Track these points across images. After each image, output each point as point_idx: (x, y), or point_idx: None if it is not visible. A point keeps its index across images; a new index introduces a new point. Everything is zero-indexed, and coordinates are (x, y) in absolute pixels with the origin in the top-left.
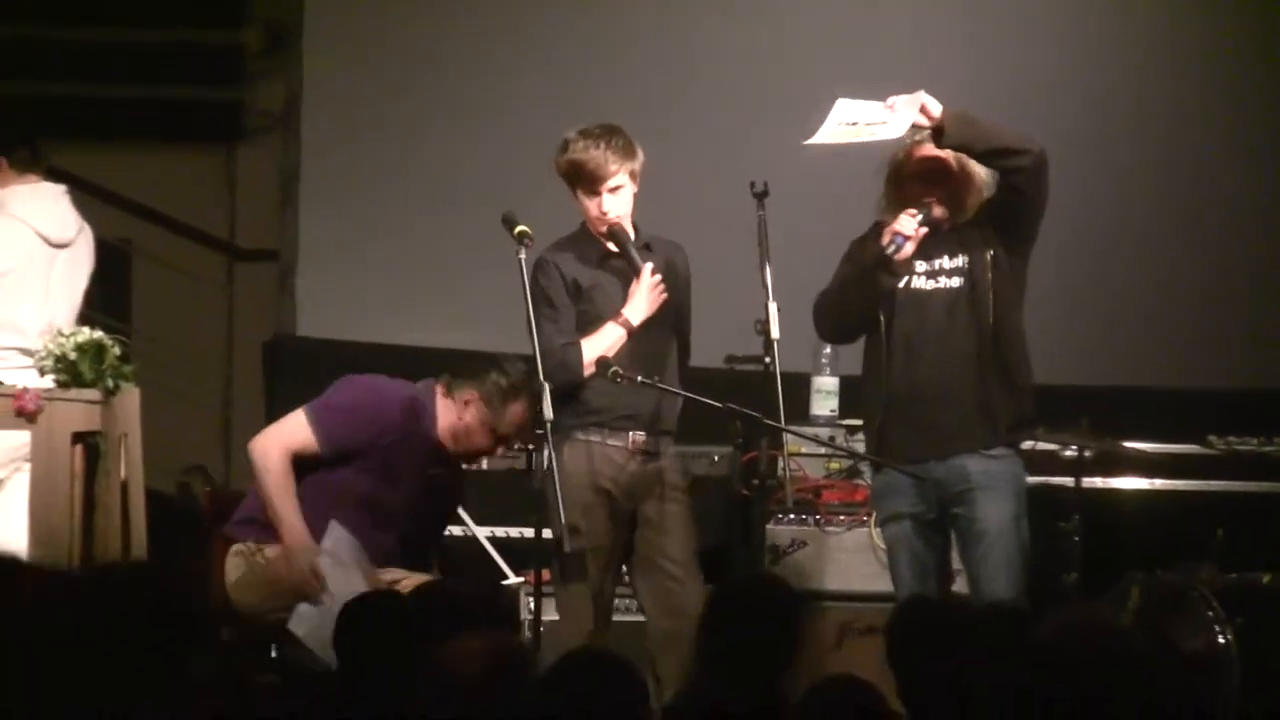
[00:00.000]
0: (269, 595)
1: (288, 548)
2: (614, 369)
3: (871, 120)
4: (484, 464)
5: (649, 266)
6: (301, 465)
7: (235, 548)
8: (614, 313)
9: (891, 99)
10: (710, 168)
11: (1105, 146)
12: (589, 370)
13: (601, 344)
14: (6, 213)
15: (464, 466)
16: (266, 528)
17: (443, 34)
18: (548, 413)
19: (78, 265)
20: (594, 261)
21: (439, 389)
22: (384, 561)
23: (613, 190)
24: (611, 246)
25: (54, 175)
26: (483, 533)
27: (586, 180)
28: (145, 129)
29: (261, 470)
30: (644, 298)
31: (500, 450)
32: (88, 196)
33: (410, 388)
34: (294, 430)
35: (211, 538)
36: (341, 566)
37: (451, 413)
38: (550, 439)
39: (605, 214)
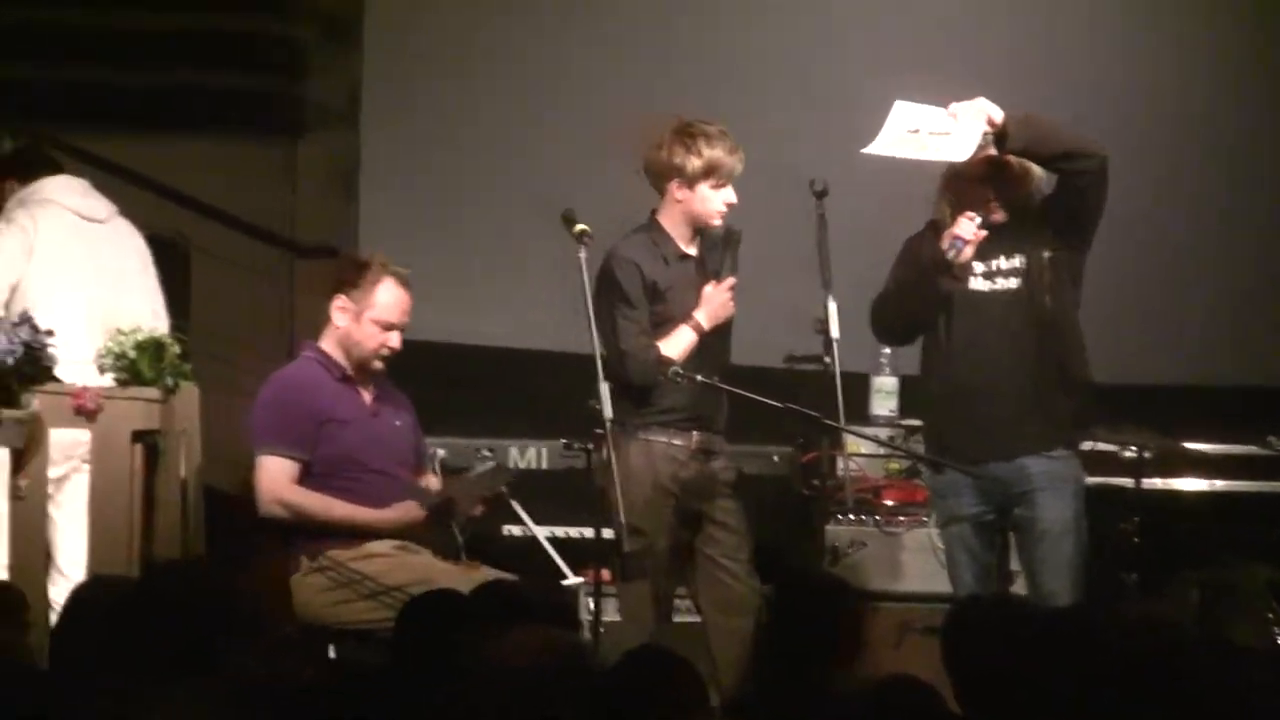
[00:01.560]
0: (363, 607)
1: (393, 525)
2: (675, 369)
3: (934, 129)
4: (542, 460)
5: (731, 279)
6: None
7: (314, 566)
8: (685, 315)
9: (953, 105)
10: (769, 165)
11: (1156, 144)
12: None
13: (677, 346)
14: (37, 199)
15: (379, 368)
16: (323, 538)
17: (504, 26)
18: (607, 411)
19: (124, 245)
20: (671, 261)
21: (322, 336)
22: (415, 492)
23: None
24: (684, 248)
25: (108, 167)
26: (542, 533)
27: (721, 175)
28: (203, 121)
29: (294, 515)
30: (718, 304)
31: (392, 338)
32: (144, 191)
33: (300, 359)
34: (271, 470)
35: (273, 546)
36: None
37: (332, 336)
38: (610, 437)
39: (730, 206)
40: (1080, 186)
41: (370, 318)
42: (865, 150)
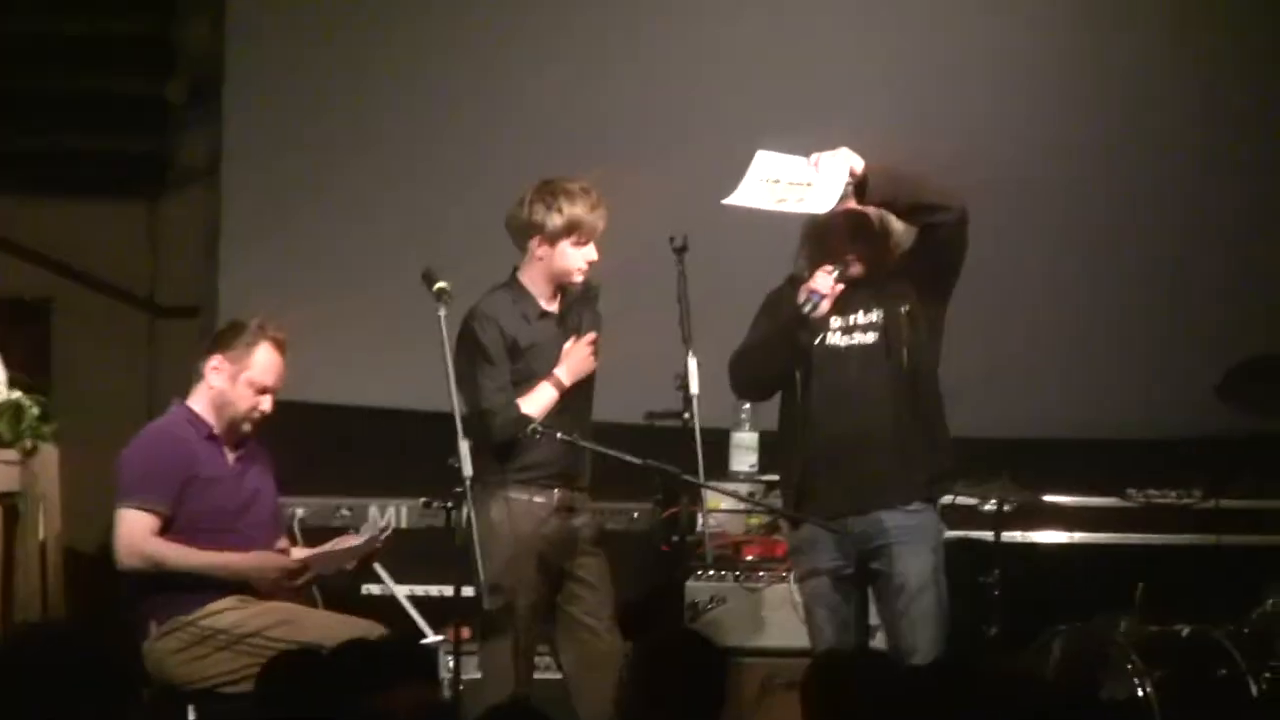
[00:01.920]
0: (215, 661)
1: (248, 571)
2: (533, 425)
3: (795, 179)
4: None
5: (592, 335)
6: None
7: (163, 628)
8: (546, 372)
9: (815, 156)
10: (629, 221)
11: (1020, 200)
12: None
13: (537, 403)
14: None
15: (247, 431)
16: (174, 603)
17: (366, 86)
18: (467, 469)
19: None
20: (532, 319)
21: (191, 393)
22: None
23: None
24: (545, 305)
25: None
26: (402, 591)
27: (582, 233)
28: (65, 181)
29: (153, 566)
30: (578, 360)
31: (268, 402)
32: (3, 252)
33: (168, 414)
34: (133, 522)
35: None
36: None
37: (204, 395)
38: (470, 495)
39: (591, 264)
40: (940, 239)
41: (245, 379)
42: (725, 201)
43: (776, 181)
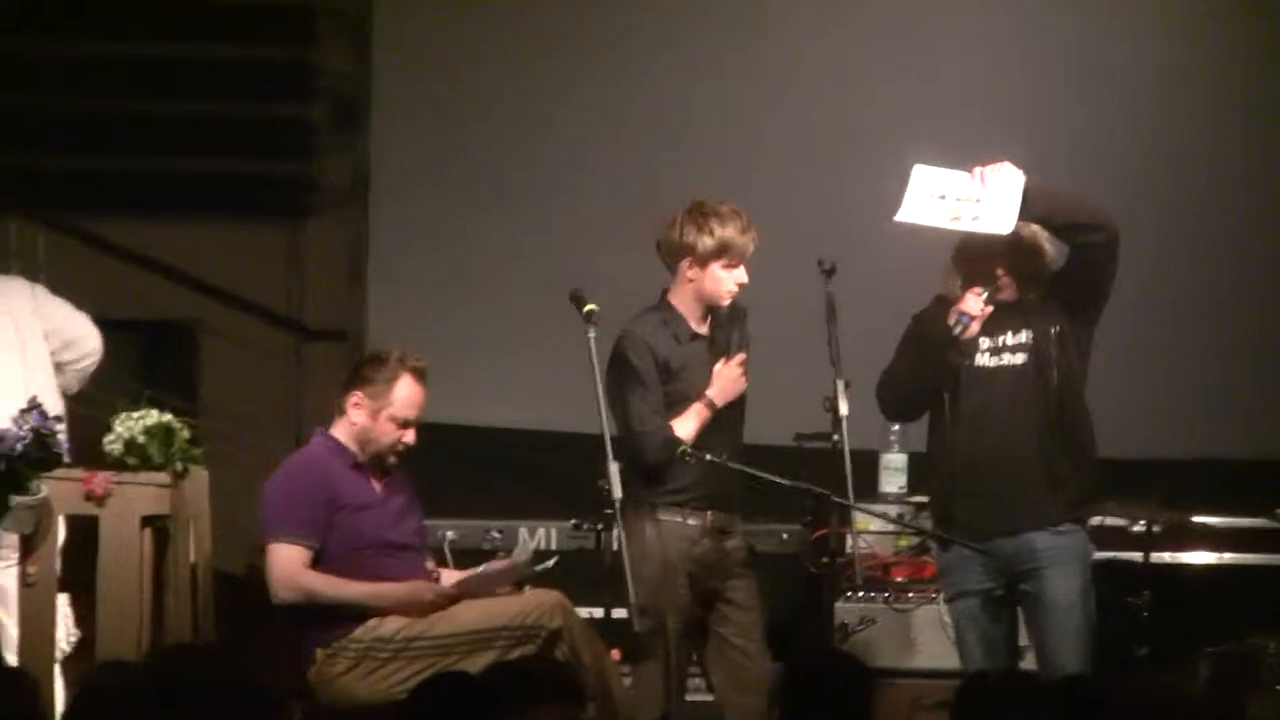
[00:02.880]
0: (387, 673)
1: (406, 601)
2: (683, 448)
3: (962, 195)
4: (552, 541)
5: (742, 356)
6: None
7: (329, 651)
8: (698, 393)
9: (977, 170)
10: (778, 244)
11: (1171, 215)
12: None
13: (689, 425)
14: None
15: (392, 463)
16: (336, 625)
17: (513, 107)
18: (616, 491)
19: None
20: (684, 340)
21: (334, 424)
22: (426, 576)
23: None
24: (695, 327)
25: (119, 252)
26: None
27: (733, 255)
28: (213, 204)
29: (307, 599)
30: (729, 381)
31: (408, 435)
32: (154, 275)
33: (311, 444)
34: (284, 557)
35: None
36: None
37: (346, 427)
38: (620, 517)
39: (741, 286)
40: (1092, 259)
41: (388, 415)
42: (896, 218)
43: (943, 198)
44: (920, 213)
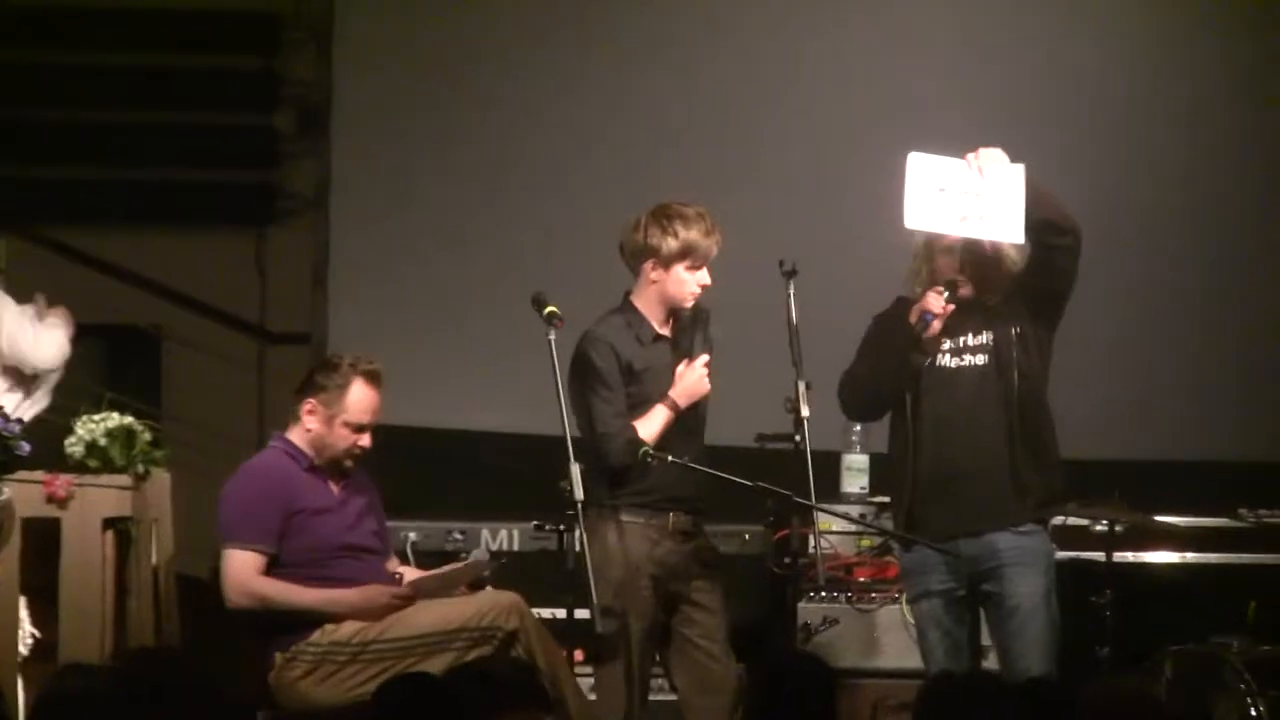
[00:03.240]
0: (344, 676)
1: (360, 606)
2: (645, 449)
3: (965, 188)
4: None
5: (705, 357)
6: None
7: (287, 656)
8: (661, 395)
9: (970, 156)
10: (739, 246)
11: (1134, 218)
12: None
13: (652, 426)
14: None
15: (349, 466)
16: (294, 630)
17: (473, 115)
18: (578, 493)
19: None
20: (646, 342)
21: (290, 428)
22: (388, 578)
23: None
24: (658, 329)
25: (83, 259)
26: None
27: (697, 257)
28: (177, 211)
29: (260, 604)
30: (692, 382)
31: (363, 439)
32: (117, 282)
33: (268, 449)
34: (239, 562)
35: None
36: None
37: (301, 433)
38: (582, 518)
39: (704, 288)
40: (1056, 261)
41: (341, 420)
42: (906, 224)
43: (943, 190)
44: (928, 216)
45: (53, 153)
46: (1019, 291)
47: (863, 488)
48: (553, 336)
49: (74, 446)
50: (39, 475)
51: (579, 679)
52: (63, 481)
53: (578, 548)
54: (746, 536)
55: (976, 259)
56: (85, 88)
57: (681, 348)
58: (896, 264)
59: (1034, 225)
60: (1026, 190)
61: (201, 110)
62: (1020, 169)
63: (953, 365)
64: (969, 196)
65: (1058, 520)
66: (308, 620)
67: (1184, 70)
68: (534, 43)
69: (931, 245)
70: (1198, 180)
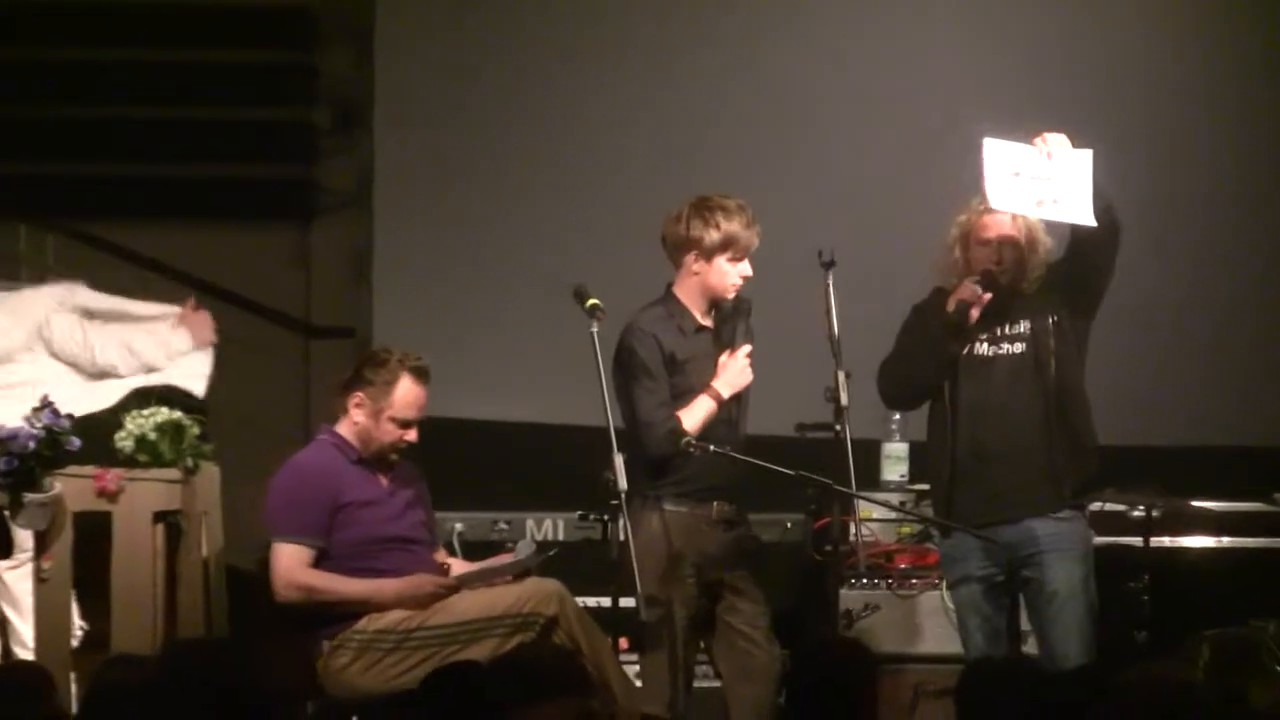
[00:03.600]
0: (390, 663)
1: (405, 596)
2: (687, 439)
3: (1036, 173)
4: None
5: (747, 348)
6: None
7: (334, 644)
8: (703, 385)
9: (1039, 143)
10: (779, 238)
11: (1168, 209)
12: None
13: (695, 416)
14: None
15: (395, 460)
16: (340, 620)
17: (513, 110)
18: (622, 483)
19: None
20: (689, 333)
21: (338, 421)
22: (435, 569)
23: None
24: (700, 320)
25: (129, 256)
26: None
27: (738, 249)
28: (219, 208)
29: (308, 597)
30: (735, 372)
31: (410, 434)
32: (162, 277)
33: (315, 442)
34: (288, 556)
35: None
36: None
37: (349, 426)
38: (626, 508)
39: (745, 279)
40: (1093, 252)
41: (388, 415)
42: (991, 204)
43: (1018, 174)
44: (1009, 197)
45: (96, 150)
46: (1056, 281)
47: (902, 475)
48: (595, 329)
49: (123, 441)
50: (89, 470)
51: (625, 666)
52: (113, 476)
53: (621, 537)
54: (788, 525)
55: (1013, 249)
56: (126, 84)
57: (723, 338)
58: (934, 254)
59: (1098, 214)
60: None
61: (241, 106)
62: (1088, 154)
63: (990, 354)
64: (1041, 181)
65: (1095, 506)
66: (355, 610)
67: (1214, 63)
68: (576, 34)
69: (968, 236)
70: (1220, 168)
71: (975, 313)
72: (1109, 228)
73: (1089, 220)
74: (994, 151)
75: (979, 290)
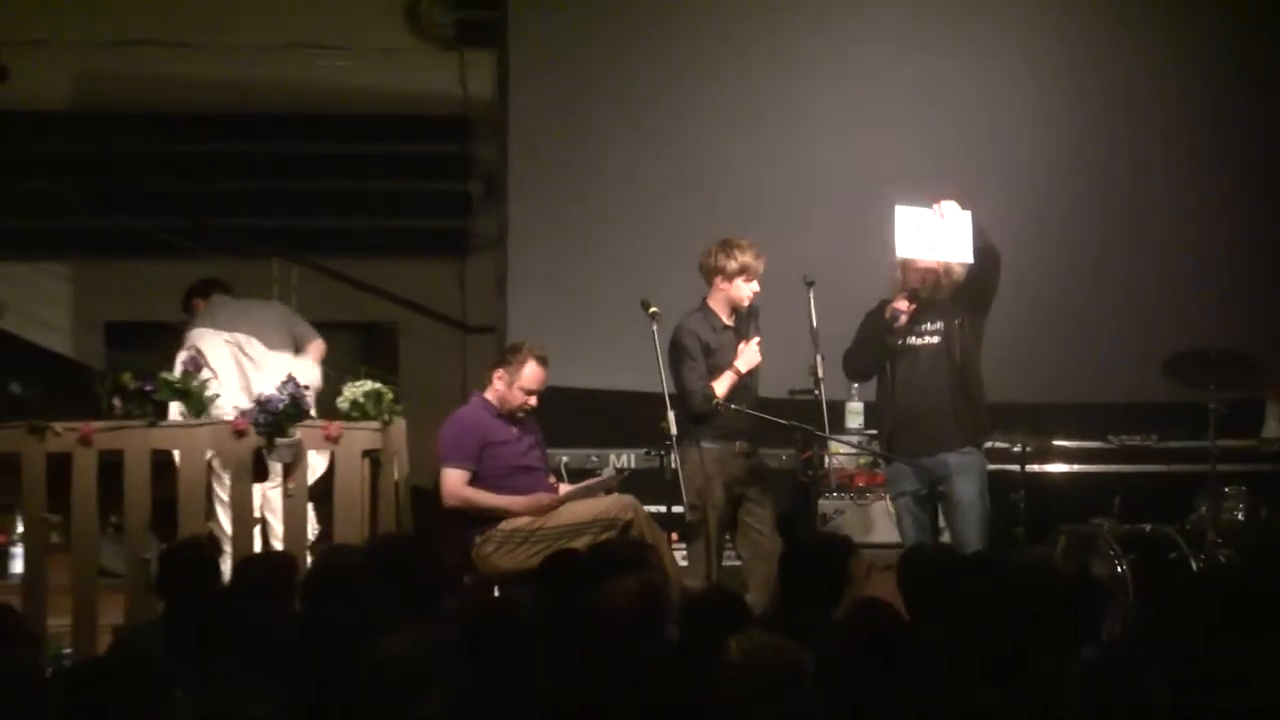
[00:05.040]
0: (520, 551)
1: (530, 507)
2: (717, 401)
3: (931, 228)
4: (631, 462)
5: (757, 339)
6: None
7: (483, 538)
8: (729, 364)
9: (935, 206)
10: (778, 266)
11: (1048, 218)
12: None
13: (723, 386)
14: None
15: (522, 416)
16: (487, 521)
17: (608, 175)
18: (673, 429)
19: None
20: (718, 330)
21: (486, 389)
22: (548, 488)
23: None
24: (725, 321)
25: (350, 281)
26: None
27: (750, 274)
28: (410, 248)
29: (466, 505)
30: (750, 356)
31: (532, 400)
32: (371, 296)
33: (470, 403)
34: (451, 478)
35: (456, 535)
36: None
37: (493, 392)
38: (676, 446)
39: (756, 294)
40: (984, 276)
41: (519, 386)
42: (898, 254)
43: (919, 229)
44: (910, 248)
45: (330, 208)
46: (960, 295)
47: (859, 424)
48: (655, 328)
49: (342, 403)
50: (319, 422)
51: (675, 552)
52: (335, 427)
53: (673, 465)
54: (784, 457)
55: (932, 275)
56: (355, 166)
57: (741, 333)
58: (882, 277)
59: (980, 253)
60: (974, 233)
61: (427, 181)
62: (968, 214)
63: (916, 343)
64: (934, 233)
65: (988, 444)
66: (497, 515)
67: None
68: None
69: (905, 264)
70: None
71: (905, 318)
72: (990, 262)
73: (968, 258)
74: (902, 215)
75: (907, 303)
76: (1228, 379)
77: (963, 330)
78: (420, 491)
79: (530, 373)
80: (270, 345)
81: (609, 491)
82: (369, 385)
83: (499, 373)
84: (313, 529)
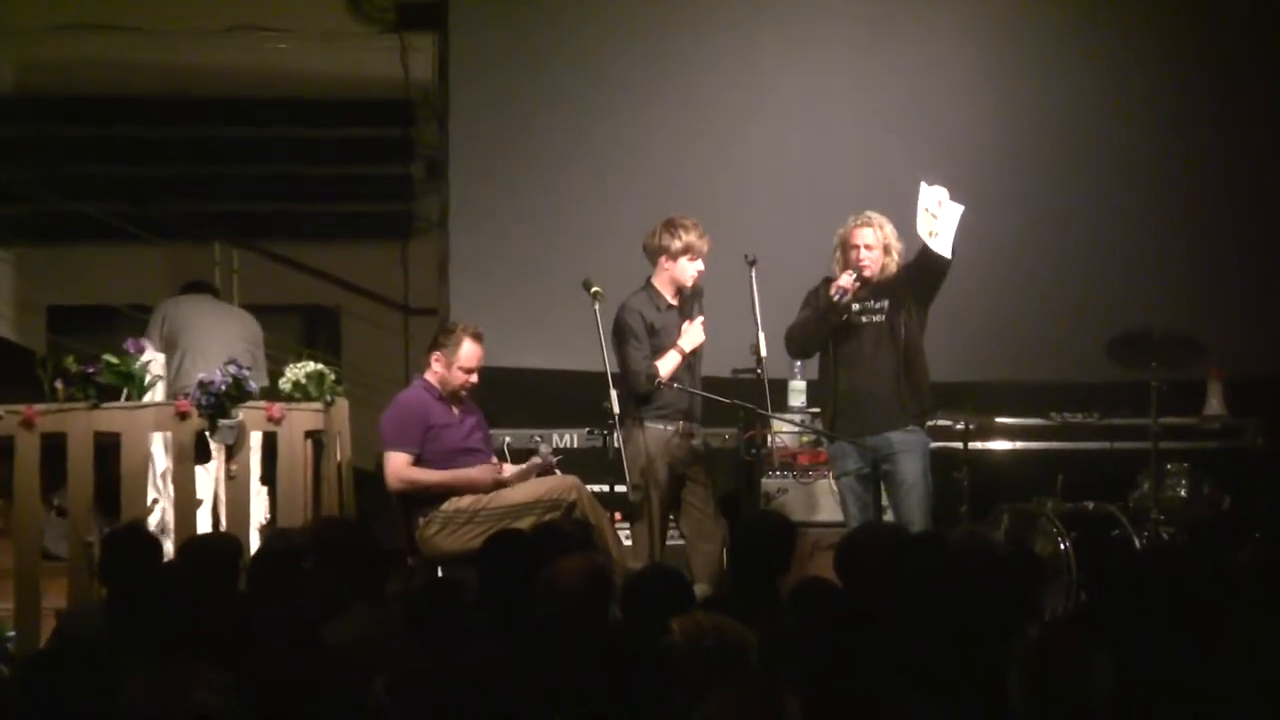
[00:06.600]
0: (463, 533)
1: (475, 479)
2: (659, 380)
3: (934, 210)
4: (574, 441)
5: (701, 319)
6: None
7: (425, 520)
8: (672, 344)
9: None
10: (722, 244)
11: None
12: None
13: (668, 365)
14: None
15: (464, 396)
16: (430, 504)
17: (547, 163)
18: (615, 409)
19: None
20: (663, 309)
21: (426, 372)
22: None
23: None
24: (670, 299)
25: (293, 264)
26: None
27: (695, 254)
28: (350, 231)
29: (410, 486)
30: (693, 335)
31: (472, 378)
32: (314, 278)
33: (412, 386)
34: (395, 460)
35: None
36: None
37: (433, 374)
38: (619, 426)
39: (700, 273)
40: (934, 270)
41: (458, 366)
42: (919, 234)
43: (926, 210)
44: (920, 226)
45: (272, 193)
46: (907, 277)
47: (802, 403)
48: (597, 307)
49: (284, 384)
50: (262, 404)
51: (619, 531)
52: (278, 408)
53: (616, 445)
54: (726, 436)
55: (877, 252)
56: (297, 151)
57: (685, 313)
58: (824, 254)
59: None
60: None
61: (369, 164)
62: (960, 208)
63: (860, 322)
64: (935, 219)
65: (931, 422)
66: (443, 493)
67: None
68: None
69: (846, 242)
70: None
71: (849, 296)
72: (944, 265)
73: (947, 253)
74: (924, 190)
75: (852, 280)
76: (1171, 359)
77: (907, 311)
78: (363, 474)
79: (467, 351)
80: (229, 345)
81: (547, 473)
82: (311, 366)
83: (436, 355)
84: (265, 513)
